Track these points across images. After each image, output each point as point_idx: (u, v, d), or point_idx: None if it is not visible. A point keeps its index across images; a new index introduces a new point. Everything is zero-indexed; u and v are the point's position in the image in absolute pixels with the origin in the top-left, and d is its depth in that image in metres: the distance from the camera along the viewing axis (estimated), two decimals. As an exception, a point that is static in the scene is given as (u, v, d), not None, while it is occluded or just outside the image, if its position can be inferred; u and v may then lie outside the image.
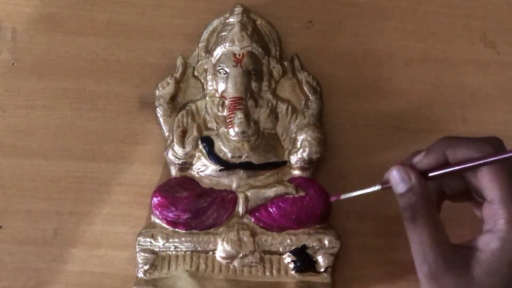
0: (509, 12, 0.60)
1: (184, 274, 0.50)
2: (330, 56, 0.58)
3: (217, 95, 0.54)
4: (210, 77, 0.54)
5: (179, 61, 0.55)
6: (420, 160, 0.42)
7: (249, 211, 0.52)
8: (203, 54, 0.55)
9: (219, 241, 0.50)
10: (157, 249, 0.51)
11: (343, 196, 0.46)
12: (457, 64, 0.58)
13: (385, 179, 0.43)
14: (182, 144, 0.52)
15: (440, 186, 0.44)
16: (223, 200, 0.51)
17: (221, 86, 0.53)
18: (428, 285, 0.40)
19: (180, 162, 0.53)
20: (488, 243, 0.39)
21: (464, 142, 0.41)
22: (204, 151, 0.53)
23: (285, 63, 0.56)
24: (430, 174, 0.42)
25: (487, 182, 0.39)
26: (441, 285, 0.39)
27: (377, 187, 0.43)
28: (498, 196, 0.39)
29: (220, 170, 0.52)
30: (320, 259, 0.51)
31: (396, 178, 0.41)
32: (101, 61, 0.56)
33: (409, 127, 0.57)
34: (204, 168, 0.53)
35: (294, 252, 0.51)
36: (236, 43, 0.53)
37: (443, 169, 0.41)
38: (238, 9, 0.55)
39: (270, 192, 0.52)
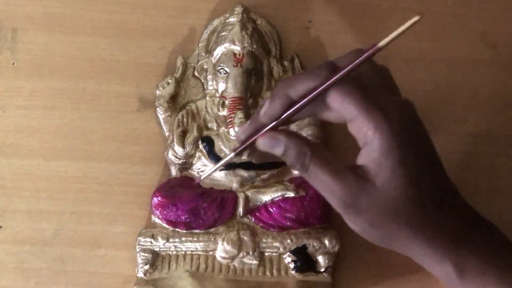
0: (509, 12, 0.60)
1: (185, 274, 0.50)
2: (330, 56, 0.58)
3: (217, 95, 0.54)
4: (210, 77, 0.54)
5: (179, 61, 0.55)
6: (266, 112, 0.42)
7: (250, 211, 0.52)
8: (203, 54, 0.55)
9: (220, 241, 0.50)
10: (157, 249, 0.51)
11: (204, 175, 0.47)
12: (457, 64, 0.58)
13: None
14: (182, 144, 0.52)
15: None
16: (223, 200, 0.51)
17: (221, 86, 0.53)
18: (347, 214, 0.41)
19: (180, 162, 0.53)
20: (369, 156, 0.39)
21: (300, 77, 0.41)
22: (204, 151, 0.53)
23: (285, 63, 0.56)
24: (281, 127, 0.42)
25: (339, 105, 0.39)
26: (359, 211, 0.40)
27: (231, 155, 0.44)
28: (354, 112, 0.39)
29: (220, 170, 0.52)
30: (320, 259, 0.51)
31: (268, 146, 0.42)
32: (101, 61, 0.56)
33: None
34: (204, 168, 0.53)
35: (294, 252, 0.51)
36: (236, 43, 0.53)
37: (288, 111, 0.41)
38: (238, 9, 0.55)
39: (271, 192, 0.52)
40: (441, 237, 0.41)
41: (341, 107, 0.39)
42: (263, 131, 0.42)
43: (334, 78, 0.39)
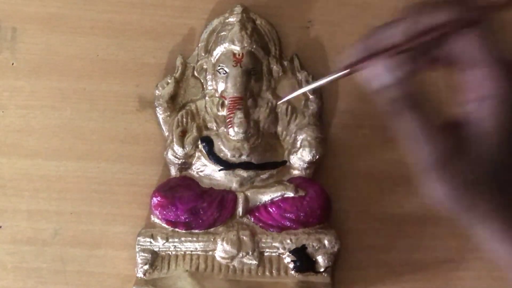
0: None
1: (184, 274, 0.50)
2: (330, 56, 0.57)
3: (216, 95, 0.54)
4: (210, 77, 0.54)
5: (178, 61, 0.55)
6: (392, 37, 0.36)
7: (249, 211, 0.52)
8: (203, 54, 0.55)
9: (219, 241, 0.50)
10: (156, 249, 0.51)
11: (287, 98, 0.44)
12: (457, 64, 0.58)
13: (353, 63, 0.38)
14: (182, 144, 0.52)
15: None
16: (223, 200, 0.51)
17: (221, 86, 0.53)
18: (434, 176, 0.35)
19: (179, 162, 0.53)
20: (482, 109, 0.35)
21: (435, 7, 0.36)
22: (204, 151, 0.53)
23: (285, 63, 0.56)
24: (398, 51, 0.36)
25: (465, 46, 0.35)
26: (450, 172, 0.35)
27: (345, 71, 0.39)
28: (478, 59, 0.35)
29: (220, 170, 0.52)
30: (320, 259, 0.51)
31: (370, 75, 0.37)
32: (100, 61, 0.56)
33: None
34: (203, 168, 0.53)
35: (294, 252, 0.51)
36: (236, 43, 0.53)
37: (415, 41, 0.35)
38: (237, 9, 0.54)
39: (270, 192, 0.52)
40: None
41: (466, 49, 0.35)
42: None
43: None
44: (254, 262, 0.51)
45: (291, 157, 0.53)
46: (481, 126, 0.35)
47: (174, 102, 0.55)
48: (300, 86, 0.55)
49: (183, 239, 0.51)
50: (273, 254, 0.51)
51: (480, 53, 0.35)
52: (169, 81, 0.54)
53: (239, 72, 0.53)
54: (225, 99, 0.53)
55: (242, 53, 0.53)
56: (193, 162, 0.53)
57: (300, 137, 0.53)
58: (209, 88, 0.54)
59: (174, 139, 0.53)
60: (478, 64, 0.35)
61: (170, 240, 0.51)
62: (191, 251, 0.51)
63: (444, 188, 0.36)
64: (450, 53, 0.36)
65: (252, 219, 0.52)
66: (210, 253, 0.51)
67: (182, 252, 0.51)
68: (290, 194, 0.51)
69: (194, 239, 0.51)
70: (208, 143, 0.53)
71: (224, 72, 0.53)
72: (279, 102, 0.51)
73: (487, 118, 0.35)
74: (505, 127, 0.35)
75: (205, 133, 0.53)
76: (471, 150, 0.35)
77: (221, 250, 0.50)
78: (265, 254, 0.51)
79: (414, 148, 0.36)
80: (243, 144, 0.52)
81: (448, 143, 0.35)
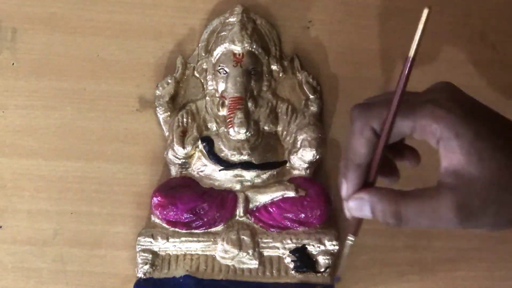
0: (509, 12, 0.60)
1: (184, 274, 0.50)
2: (330, 56, 0.58)
3: (217, 95, 0.54)
4: (210, 77, 0.54)
5: (179, 61, 0.55)
6: (353, 156, 0.38)
7: (249, 211, 0.52)
8: (203, 54, 0.55)
9: (219, 241, 0.50)
10: (157, 249, 0.51)
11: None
12: (457, 64, 0.58)
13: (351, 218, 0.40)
14: (182, 144, 0.52)
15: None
16: (223, 200, 0.51)
17: (221, 86, 0.53)
18: (468, 223, 0.36)
19: (180, 162, 0.53)
20: (448, 147, 0.36)
21: (375, 105, 0.38)
22: (204, 151, 0.53)
23: (285, 63, 0.56)
24: (371, 181, 0.38)
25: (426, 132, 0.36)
26: (472, 212, 0.36)
27: (352, 238, 0.42)
28: (411, 123, 0.37)
29: (220, 170, 0.52)
30: (320, 259, 0.51)
31: (357, 211, 0.39)
32: (101, 61, 0.56)
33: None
34: (204, 168, 0.53)
35: (294, 252, 0.51)
36: (236, 43, 0.53)
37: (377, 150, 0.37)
38: (238, 9, 0.55)
39: (270, 192, 0.52)
40: None
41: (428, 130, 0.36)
42: (352, 196, 0.38)
43: (396, 101, 0.36)
44: (254, 262, 0.51)
45: (292, 157, 0.53)
46: (460, 163, 0.35)
47: (175, 102, 0.55)
48: (301, 86, 0.55)
49: (183, 239, 0.51)
50: (273, 254, 0.51)
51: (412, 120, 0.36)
52: (170, 81, 0.54)
53: (239, 72, 0.53)
54: (226, 99, 0.53)
55: (243, 53, 0.53)
56: (193, 162, 0.53)
57: (300, 137, 0.53)
58: (210, 88, 0.54)
59: (175, 139, 0.53)
60: (414, 125, 0.36)
61: (171, 240, 0.51)
62: (192, 251, 0.51)
63: (484, 224, 0.36)
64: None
65: (253, 219, 0.52)
66: (210, 253, 0.51)
67: (183, 252, 0.51)
68: (291, 194, 0.51)
69: (195, 239, 0.51)
70: (209, 143, 0.53)
71: (225, 72, 0.53)
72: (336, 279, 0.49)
73: (455, 154, 0.35)
74: (472, 151, 0.35)
75: (205, 133, 0.53)
76: (472, 183, 0.35)
77: (222, 250, 0.50)
78: (265, 254, 0.51)
79: (438, 226, 0.37)
80: (243, 144, 0.52)
81: (454, 199, 0.35)
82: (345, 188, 0.38)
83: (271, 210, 0.52)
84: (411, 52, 0.35)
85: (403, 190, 0.38)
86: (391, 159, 0.42)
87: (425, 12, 0.34)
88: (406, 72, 0.35)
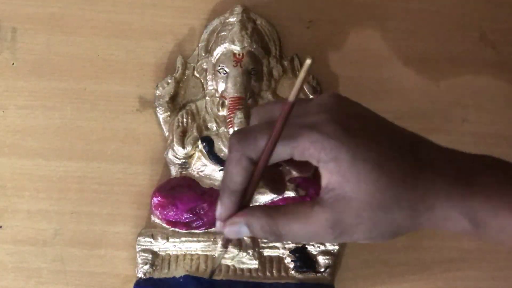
0: (509, 12, 0.60)
1: (184, 274, 0.50)
2: (330, 56, 0.58)
3: (217, 95, 0.54)
4: (210, 77, 0.54)
5: (179, 61, 0.55)
6: (228, 186, 0.39)
7: (249, 211, 0.52)
8: (203, 54, 0.55)
9: (219, 241, 0.51)
10: (157, 249, 0.51)
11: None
12: (457, 64, 0.58)
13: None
14: (182, 144, 0.52)
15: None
16: (223, 200, 0.51)
17: (221, 86, 0.53)
18: (343, 238, 0.38)
19: (180, 162, 0.53)
20: (325, 169, 0.37)
21: (252, 134, 0.38)
22: (204, 151, 0.53)
23: (285, 63, 0.56)
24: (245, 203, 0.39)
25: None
26: (346, 228, 0.37)
27: (221, 250, 0.42)
28: (288, 150, 0.37)
29: (220, 170, 0.52)
30: (320, 259, 0.51)
31: (235, 234, 0.39)
32: (101, 61, 0.56)
33: (408, 127, 0.56)
34: (204, 168, 0.53)
35: (294, 252, 0.51)
36: (236, 43, 0.53)
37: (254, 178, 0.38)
38: (238, 9, 0.55)
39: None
40: (445, 196, 0.37)
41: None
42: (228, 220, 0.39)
43: (275, 133, 0.36)
44: (254, 262, 0.51)
45: (291, 157, 0.53)
46: (336, 182, 0.36)
47: (174, 102, 0.55)
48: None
49: (183, 239, 0.51)
50: (273, 254, 0.51)
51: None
52: (170, 81, 0.54)
53: (239, 72, 0.53)
54: (225, 99, 0.53)
55: (242, 53, 0.53)
56: (193, 162, 0.53)
57: (300, 137, 0.53)
58: (210, 88, 0.54)
59: (175, 139, 0.53)
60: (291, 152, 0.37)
61: (171, 240, 0.51)
62: (192, 251, 0.51)
63: (360, 238, 0.38)
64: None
65: (253, 219, 0.52)
66: (211, 253, 0.51)
67: (183, 252, 0.51)
68: (290, 194, 0.51)
69: (195, 239, 0.51)
70: (209, 143, 0.53)
71: (224, 72, 0.53)
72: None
73: (331, 174, 0.36)
74: (348, 164, 0.36)
75: (205, 133, 0.53)
76: (346, 204, 0.36)
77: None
78: (265, 254, 0.51)
79: (315, 241, 0.45)
80: (243, 144, 0.52)
81: (324, 225, 0.37)
82: (219, 211, 0.39)
83: (271, 210, 0.52)
84: (291, 97, 0.35)
85: (278, 206, 0.40)
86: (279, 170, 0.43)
87: (308, 62, 0.35)
88: (285, 115, 0.36)
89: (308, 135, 0.36)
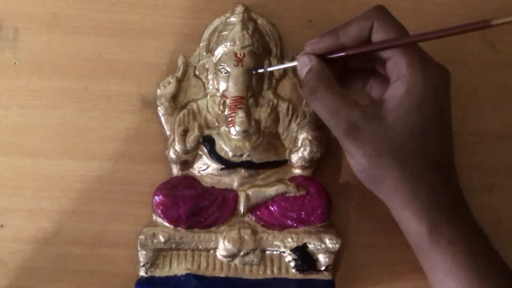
0: (509, 12, 0.60)
1: (186, 272, 0.50)
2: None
3: (218, 94, 0.54)
4: (211, 76, 0.55)
5: (180, 61, 0.55)
6: (315, 44, 0.46)
7: (250, 210, 0.52)
8: (204, 54, 0.56)
9: (220, 240, 0.51)
10: (158, 248, 0.51)
11: (269, 69, 0.52)
12: (457, 64, 0.59)
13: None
14: (184, 143, 0.53)
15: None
16: (224, 199, 0.52)
17: (222, 86, 0.54)
18: (348, 142, 0.42)
19: (181, 161, 0.53)
20: (394, 91, 0.41)
21: (350, 23, 0.46)
22: (205, 150, 0.53)
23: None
24: (329, 56, 0.46)
25: (382, 38, 0.43)
26: (359, 138, 0.41)
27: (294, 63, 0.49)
28: (394, 50, 0.42)
29: (221, 169, 0.52)
30: (320, 257, 0.51)
31: (299, 64, 0.47)
32: (102, 60, 0.56)
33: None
34: (205, 167, 0.53)
35: (295, 251, 0.51)
36: (237, 42, 0.53)
37: (339, 53, 0.45)
38: (239, 9, 0.55)
39: (271, 191, 0.52)
40: (425, 197, 0.41)
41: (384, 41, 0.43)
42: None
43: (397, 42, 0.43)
44: (256, 260, 0.51)
45: (292, 156, 0.53)
46: (388, 102, 0.41)
47: (176, 101, 0.55)
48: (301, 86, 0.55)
49: (184, 237, 0.51)
50: (274, 252, 0.52)
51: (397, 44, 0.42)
52: (171, 80, 0.54)
53: (240, 71, 0.53)
54: (227, 98, 0.53)
55: (244, 53, 0.53)
56: (194, 161, 0.53)
57: (301, 136, 0.53)
58: (211, 87, 0.55)
59: (176, 138, 0.53)
60: (395, 53, 0.42)
61: (172, 238, 0.51)
62: (193, 249, 0.51)
63: (355, 157, 0.42)
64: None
65: (254, 217, 0.52)
66: (212, 251, 0.51)
67: (184, 251, 0.51)
68: (291, 193, 0.52)
69: (196, 237, 0.51)
70: (210, 142, 0.53)
71: (226, 71, 0.53)
72: (263, 70, 0.53)
73: (392, 97, 0.41)
74: (408, 106, 0.40)
75: (206, 132, 0.53)
76: (376, 123, 0.40)
77: (223, 248, 0.51)
78: (266, 252, 0.51)
79: (329, 120, 0.43)
80: (244, 143, 0.52)
81: (354, 114, 0.41)
82: (315, 41, 0.46)
83: (272, 209, 0.52)
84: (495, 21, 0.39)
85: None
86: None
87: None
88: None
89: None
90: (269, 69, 0.51)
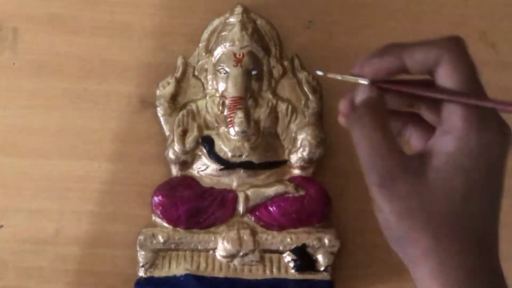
0: (509, 12, 0.60)
1: (185, 272, 0.50)
2: (330, 56, 0.58)
3: (217, 95, 0.54)
4: (211, 76, 0.55)
5: (179, 61, 0.55)
6: (376, 64, 0.39)
7: (249, 210, 0.52)
8: (204, 54, 0.56)
9: (220, 240, 0.51)
10: (157, 248, 0.51)
11: (329, 75, 0.45)
12: (457, 64, 0.58)
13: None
14: (183, 144, 0.53)
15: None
16: (224, 199, 0.52)
17: (222, 86, 0.54)
18: (379, 193, 0.35)
19: (180, 161, 0.53)
20: (442, 146, 0.34)
21: (418, 45, 0.38)
22: (204, 151, 0.53)
23: (285, 63, 0.56)
24: (391, 88, 0.38)
25: (444, 78, 0.36)
26: (393, 192, 0.34)
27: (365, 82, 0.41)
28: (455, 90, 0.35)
29: (220, 170, 0.52)
30: (320, 258, 0.51)
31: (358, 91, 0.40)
32: (102, 61, 0.56)
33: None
34: (204, 167, 0.53)
35: (294, 251, 0.51)
36: (237, 43, 0.53)
37: (400, 88, 0.38)
38: (238, 9, 0.55)
39: (270, 191, 0.52)
40: (456, 273, 0.34)
41: (446, 80, 0.36)
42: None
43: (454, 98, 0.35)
44: (255, 261, 0.51)
45: (292, 156, 0.53)
46: (439, 159, 0.34)
47: (175, 102, 0.55)
48: (301, 86, 0.55)
49: (184, 238, 0.51)
50: (274, 253, 0.52)
51: (456, 83, 0.35)
52: (170, 81, 0.54)
53: (239, 72, 0.53)
54: (226, 99, 0.53)
55: (243, 53, 0.53)
56: (193, 162, 0.53)
57: (300, 137, 0.53)
58: (210, 88, 0.55)
59: (175, 139, 0.53)
60: (451, 100, 0.35)
61: (171, 239, 0.51)
62: (192, 250, 0.51)
63: (384, 211, 0.35)
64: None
65: (253, 218, 0.52)
66: (211, 252, 0.51)
67: (183, 251, 0.51)
68: (291, 193, 0.52)
69: (195, 238, 0.51)
70: (209, 142, 0.53)
71: (225, 72, 0.53)
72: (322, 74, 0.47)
73: (442, 152, 0.34)
74: (455, 167, 0.34)
75: (205, 132, 0.53)
76: (417, 180, 0.34)
77: (222, 249, 0.51)
78: (266, 253, 0.51)
79: (365, 161, 0.35)
80: (243, 143, 0.52)
81: (393, 162, 0.34)
82: (374, 63, 0.39)
83: (271, 209, 0.52)
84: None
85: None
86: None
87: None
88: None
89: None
90: (329, 75, 0.46)
